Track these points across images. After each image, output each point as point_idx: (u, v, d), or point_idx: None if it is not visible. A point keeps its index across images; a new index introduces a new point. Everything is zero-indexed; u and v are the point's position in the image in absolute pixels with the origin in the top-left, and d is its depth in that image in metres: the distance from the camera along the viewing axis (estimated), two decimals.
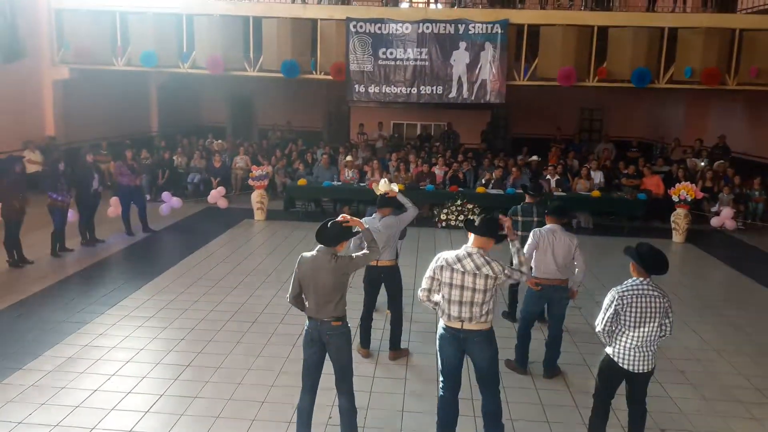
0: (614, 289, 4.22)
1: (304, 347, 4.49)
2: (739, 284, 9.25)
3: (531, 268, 5.52)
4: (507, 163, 13.90)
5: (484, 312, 4.25)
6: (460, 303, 4.24)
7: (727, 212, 11.81)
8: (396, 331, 6.21)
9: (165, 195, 12.05)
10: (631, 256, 4.27)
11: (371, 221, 6.05)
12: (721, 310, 7.89)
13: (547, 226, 5.85)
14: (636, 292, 4.14)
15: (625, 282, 4.24)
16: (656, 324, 4.17)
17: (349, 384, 4.48)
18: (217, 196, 12.69)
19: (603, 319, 4.25)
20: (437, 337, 4.45)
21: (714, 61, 12.87)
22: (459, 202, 12.00)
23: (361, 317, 6.25)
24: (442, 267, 4.29)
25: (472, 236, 4.34)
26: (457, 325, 4.28)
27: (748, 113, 16.41)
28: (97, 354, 6.04)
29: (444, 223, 11.99)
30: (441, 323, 4.41)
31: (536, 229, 5.88)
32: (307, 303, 4.44)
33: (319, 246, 4.39)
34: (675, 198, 11.42)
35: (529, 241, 5.74)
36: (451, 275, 4.25)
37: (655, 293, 4.17)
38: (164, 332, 6.64)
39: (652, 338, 4.19)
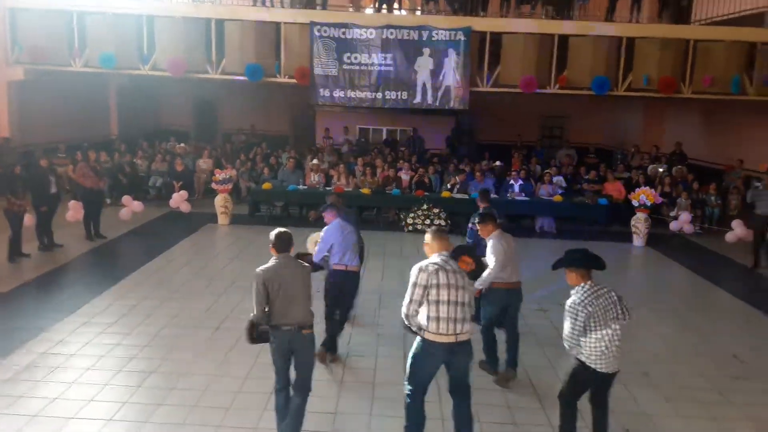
0: (574, 304, 4.23)
1: (274, 357, 4.52)
2: (698, 287, 9.51)
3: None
4: (473, 168, 14.04)
5: (468, 314, 4.30)
6: (456, 304, 4.22)
7: (685, 217, 12.17)
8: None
9: (125, 199, 11.77)
10: (571, 263, 4.34)
11: (345, 225, 6.16)
12: (681, 313, 8.10)
13: (496, 233, 5.81)
14: (594, 295, 4.23)
15: (575, 291, 4.29)
16: (616, 319, 4.28)
17: (308, 385, 4.56)
18: (179, 200, 12.46)
19: (572, 333, 4.27)
20: (418, 351, 4.34)
21: (670, 70, 13.25)
22: (425, 206, 12.05)
23: (334, 323, 6.19)
24: (437, 271, 4.24)
25: (433, 244, 4.46)
26: (451, 339, 4.22)
27: (702, 121, 16.96)
28: (55, 362, 5.84)
29: (410, 227, 12.01)
30: (422, 339, 4.29)
31: (499, 239, 5.78)
32: (275, 313, 4.42)
33: (280, 255, 4.53)
34: (635, 203, 11.70)
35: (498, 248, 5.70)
36: (446, 276, 4.25)
37: (605, 290, 4.31)
38: (127, 338, 6.46)
39: (618, 334, 4.29)
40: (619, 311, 4.31)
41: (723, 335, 7.35)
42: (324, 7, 14.52)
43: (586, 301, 4.21)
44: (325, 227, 6.23)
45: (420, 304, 4.25)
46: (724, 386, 5.98)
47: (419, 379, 4.41)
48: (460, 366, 4.39)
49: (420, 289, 4.24)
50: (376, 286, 8.58)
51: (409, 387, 4.44)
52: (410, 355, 4.42)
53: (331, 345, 6.15)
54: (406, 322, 4.34)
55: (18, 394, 5.20)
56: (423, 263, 4.34)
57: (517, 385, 5.80)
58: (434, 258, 4.39)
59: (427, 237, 4.56)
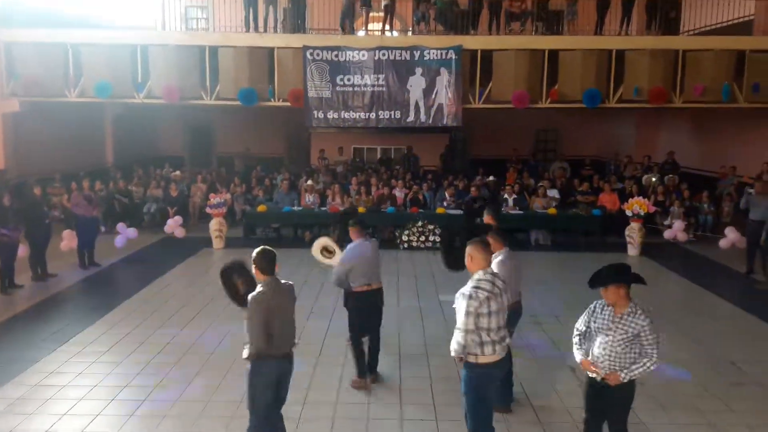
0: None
1: (265, 389, 4.32)
2: (693, 294, 9.49)
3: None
4: (468, 183, 14.08)
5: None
6: (499, 329, 4.12)
7: (678, 225, 12.17)
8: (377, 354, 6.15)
9: (120, 226, 11.79)
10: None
11: (363, 247, 5.91)
12: (677, 321, 8.06)
13: (504, 251, 5.49)
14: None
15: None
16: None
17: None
18: (174, 225, 12.48)
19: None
20: (475, 383, 4.16)
21: (660, 81, 13.32)
22: (420, 223, 12.07)
23: (357, 344, 6.00)
24: (488, 298, 4.04)
25: (478, 257, 4.16)
26: (497, 357, 4.15)
27: (694, 129, 17.03)
28: (47, 393, 5.81)
29: (406, 245, 12.02)
30: (478, 365, 4.11)
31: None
32: (275, 340, 4.22)
33: (267, 278, 4.32)
34: (629, 213, 11.72)
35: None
36: (497, 302, 4.11)
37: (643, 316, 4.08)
38: (119, 367, 6.43)
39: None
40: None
41: (720, 342, 7.32)
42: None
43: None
44: (348, 245, 6.01)
45: (474, 333, 4.06)
46: (722, 393, 5.94)
47: (489, 411, 4.26)
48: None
49: (473, 318, 4.03)
50: None
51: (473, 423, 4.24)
52: (464, 389, 4.23)
53: (362, 368, 5.99)
54: (459, 353, 4.11)
55: (10, 428, 5.16)
56: (470, 289, 4.07)
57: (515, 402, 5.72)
58: (480, 277, 4.13)
59: (470, 249, 4.20)
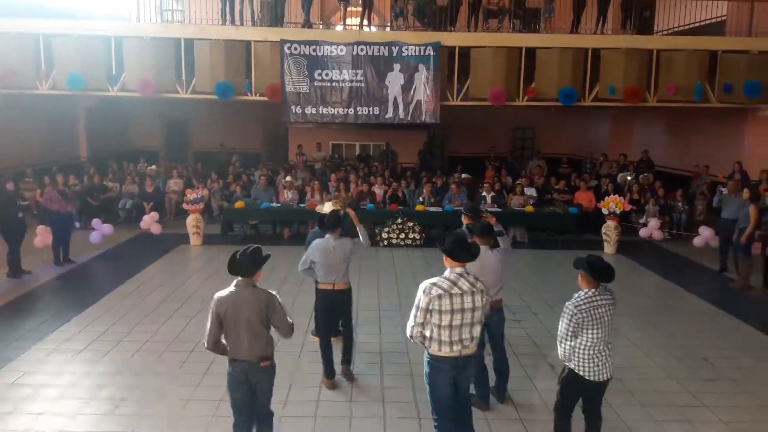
0: (569, 303, 4.29)
1: (231, 390, 4.30)
2: (668, 291, 9.67)
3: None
4: (446, 181, 14.13)
5: (478, 332, 4.20)
6: (460, 327, 4.09)
7: (653, 223, 12.39)
8: (350, 347, 6.20)
9: (95, 222, 11.60)
10: (582, 267, 4.33)
11: (324, 242, 5.90)
12: (652, 318, 8.22)
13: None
14: (591, 303, 4.26)
15: (577, 295, 4.33)
16: (608, 330, 4.34)
17: (270, 420, 4.42)
18: (149, 221, 12.31)
19: (564, 337, 4.31)
20: (428, 372, 4.23)
21: (635, 80, 13.51)
22: (399, 220, 12.09)
23: (322, 346, 6.00)
24: (440, 296, 4.04)
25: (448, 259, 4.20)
26: (455, 353, 4.12)
27: (668, 129, 17.33)
28: (23, 392, 5.70)
29: (386, 242, 12.04)
30: (429, 355, 4.18)
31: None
32: (228, 345, 4.20)
33: (236, 280, 4.21)
34: (605, 211, 11.89)
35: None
36: (450, 301, 4.05)
37: (606, 301, 4.31)
38: (97, 365, 6.34)
39: (606, 344, 4.37)
40: (610, 326, 4.36)
41: (693, 338, 7.47)
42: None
43: (581, 307, 4.25)
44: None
45: (423, 327, 4.12)
46: (696, 389, 6.07)
47: (442, 403, 4.23)
48: (464, 381, 4.30)
49: (422, 312, 4.09)
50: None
51: (435, 417, 4.30)
52: (425, 377, 4.29)
53: (328, 369, 5.98)
54: (411, 341, 4.23)
55: None
56: (428, 284, 4.12)
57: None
58: (446, 275, 4.15)
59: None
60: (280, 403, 5.45)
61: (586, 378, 4.33)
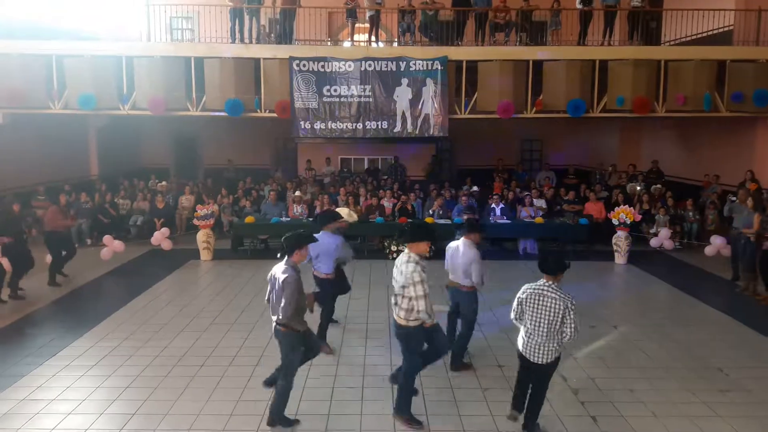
0: (525, 285, 5.08)
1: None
2: (680, 301, 9.57)
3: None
4: (454, 193, 14.14)
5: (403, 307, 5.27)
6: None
7: (664, 233, 12.31)
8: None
9: (106, 238, 11.69)
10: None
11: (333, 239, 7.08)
12: (665, 328, 8.14)
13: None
14: (537, 291, 4.99)
15: (538, 281, 5.02)
16: (546, 321, 4.88)
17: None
18: (160, 237, 12.39)
19: (513, 308, 5.20)
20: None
21: (643, 91, 13.50)
22: None
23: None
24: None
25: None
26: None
27: (677, 138, 17.26)
28: (35, 408, 5.73)
29: (395, 254, 12.02)
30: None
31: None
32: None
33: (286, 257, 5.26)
34: (615, 221, 11.83)
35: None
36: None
37: (555, 295, 4.90)
38: (108, 380, 6.36)
39: (544, 333, 4.91)
40: (554, 319, 4.89)
41: (707, 348, 7.39)
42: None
43: (527, 290, 5.09)
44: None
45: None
46: (710, 400, 5.99)
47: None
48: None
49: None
50: (362, 312, 8.55)
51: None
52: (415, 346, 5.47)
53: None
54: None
55: None
56: (414, 262, 5.28)
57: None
58: (416, 259, 5.35)
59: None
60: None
61: (522, 353, 5.11)
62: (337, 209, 7.95)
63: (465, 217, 7.70)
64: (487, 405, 5.85)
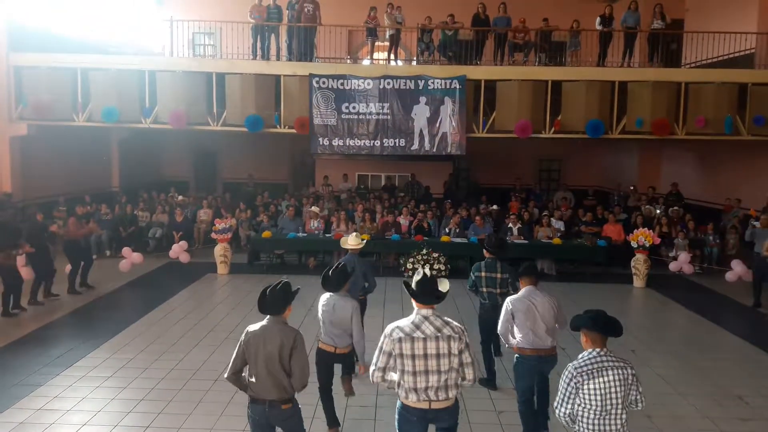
0: (570, 365, 3.69)
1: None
2: (700, 327, 9.43)
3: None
4: (470, 212, 14.12)
5: (452, 381, 3.87)
6: (426, 374, 3.82)
7: (684, 257, 12.15)
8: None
9: (125, 250, 11.81)
10: (582, 324, 3.76)
11: (325, 299, 5.55)
12: (683, 354, 8.01)
13: (524, 289, 5.53)
14: (595, 365, 3.64)
15: (581, 356, 3.74)
16: (620, 399, 3.62)
17: None
18: (178, 250, 12.49)
19: (562, 400, 3.70)
20: (397, 419, 3.98)
21: (663, 113, 13.44)
22: (424, 251, 12.06)
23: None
24: (401, 339, 3.84)
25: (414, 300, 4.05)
26: (424, 404, 3.85)
27: (698, 161, 17.12)
28: (51, 418, 5.77)
29: (410, 272, 11.99)
30: (400, 404, 3.95)
31: (508, 298, 5.55)
32: (249, 382, 4.09)
33: (267, 317, 4.14)
34: (634, 244, 11.71)
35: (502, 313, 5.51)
36: (412, 345, 3.83)
37: (617, 364, 3.67)
38: (123, 393, 6.39)
39: (618, 414, 3.63)
40: (627, 392, 3.66)
41: (727, 376, 7.26)
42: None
43: (582, 370, 3.63)
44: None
45: (385, 371, 3.91)
46: (730, 429, 5.88)
47: None
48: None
49: (384, 356, 3.90)
50: (377, 333, 8.51)
51: None
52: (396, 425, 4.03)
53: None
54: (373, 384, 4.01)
55: None
56: (392, 326, 3.93)
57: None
58: (411, 318, 3.97)
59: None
60: None
61: None
62: (345, 237, 7.35)
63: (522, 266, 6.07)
64: (501, 429, 5.78)
